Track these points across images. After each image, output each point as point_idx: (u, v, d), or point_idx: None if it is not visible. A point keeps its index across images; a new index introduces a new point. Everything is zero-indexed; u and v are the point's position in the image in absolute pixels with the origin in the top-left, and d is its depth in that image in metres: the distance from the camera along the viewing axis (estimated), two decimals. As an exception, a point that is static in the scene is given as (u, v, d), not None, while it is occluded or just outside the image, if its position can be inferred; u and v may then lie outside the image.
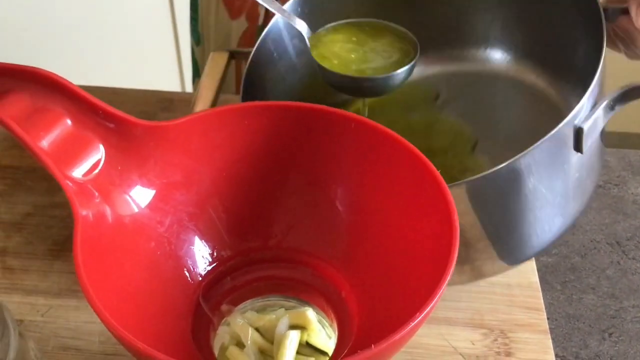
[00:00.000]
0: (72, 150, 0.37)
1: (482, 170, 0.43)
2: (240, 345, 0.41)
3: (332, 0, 0.58)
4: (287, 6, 0.56)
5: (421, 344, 0.51)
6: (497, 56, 0.62)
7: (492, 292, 0.55)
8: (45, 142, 0.36)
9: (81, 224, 0.36)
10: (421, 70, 0.63)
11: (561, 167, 0.46)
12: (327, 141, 0.41)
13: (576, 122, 0.44)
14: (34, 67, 0.36)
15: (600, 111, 0.45)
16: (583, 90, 0.44)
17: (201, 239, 0.42)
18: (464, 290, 0.54)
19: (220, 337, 0.41)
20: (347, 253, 0.42)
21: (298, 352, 0.40)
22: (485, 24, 0.61)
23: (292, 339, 0.39)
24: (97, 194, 0.38)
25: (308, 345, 0.40)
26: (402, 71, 0.52)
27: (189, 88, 1.64)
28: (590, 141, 0.45)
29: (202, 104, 0.59)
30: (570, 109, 0.44)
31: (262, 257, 0.44)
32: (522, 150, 0.43)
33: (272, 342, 0.40)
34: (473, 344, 0.51)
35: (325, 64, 0.53)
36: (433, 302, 0.32)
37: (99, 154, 0.38)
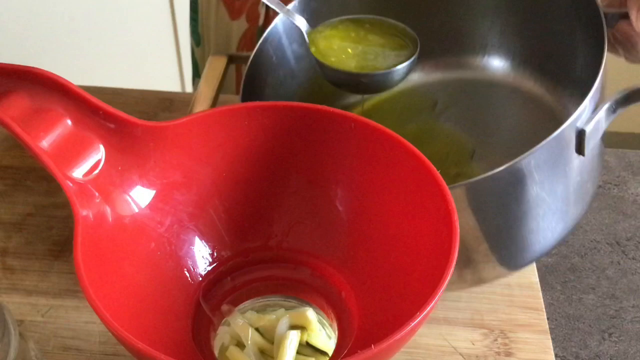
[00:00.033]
0: (73, 151, 0.37)
1: None
2: (241, 345, 0.41)
3: (333, 5, 0.58)
4: (291, 6, 0.56)
5: (421, 344, 0.51)
6: (495, 63, 0.62)
7: (492, 292, 0.55)
8: (46, 143, 0.36)
9: (81, 224, 0.36)
10: (419, 77, 0.63)
11: (563, 170, 0.46)
12: (327, 141, 0.41)
13: (578, 124, 0.44)
14: (34, 68, 0.36)
15: (602, 113, 0.45)
16: (581, 97, 0.44)
17: (201, 239, 0.42)
18: (464, 290, 0.54)
19: (221, 337, 0.41)
20: (348, 253, 0.42)
21: (298, 352, 0.40)
22: (483, 31, 0.61)
23: (292, 339, 0.39)
24: (97, 194, 0.38)
25: (308, 345, 0.40)
26: (402, 67, 0.52)
27: (189, 88, 1.64)
28: (592, 144, 0.45)
29: (200, 108, 0.59)
30: (569, 115, 0.44)
31: (262, 258, 0.44)
32: None
33: (272, 342, 0.40)
34: (473, 344, 0.51)
35: (324, 61, 0.52)
36: (433, 302, 0.32)
37: (99, 154, 0.38)
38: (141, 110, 0.70)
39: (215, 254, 0.43)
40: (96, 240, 0.37)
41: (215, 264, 0.43)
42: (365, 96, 0.62)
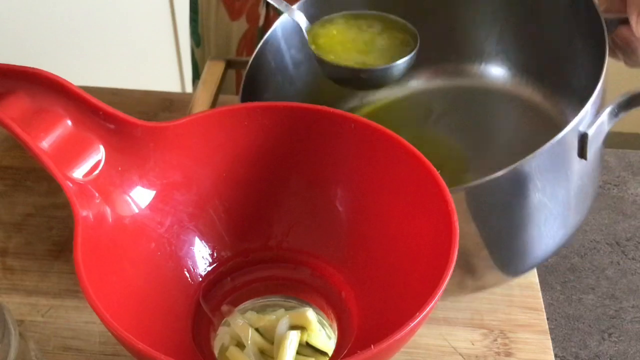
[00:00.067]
0: (73, 151, 0.37)
1: None
2: (241, 345, 0.41)
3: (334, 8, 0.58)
4: (295, 6, 0.55)
5: (421, 344, 0.51)
6: (493, 71, 0.61)
7: (492, 292, 0.55)
8: (46, 143, 0.36)
9: (81, 224, 0.36)
10: (416, 85, 0.63)
11: (564, 175, 0.46)
12: (327, 142, 0.41)
13: (580, 127, 0.44)
14: (35, 68, 0.36)
15: (605, 116, 0.44)
16: (580, 103, 0.44)
17: (201, 239, 0.42)
18: (464, 290, 0.55)
19: (221, 337, 0.41)
20: (347, 253, 0.42)
21: (298, 353, 0.40)
22: (481, 38, 0.61)
23: (292, 340, 0.39)
24: (97, 194, 0.38)
25: (308, 345, 0.40)
26: (401, 62, 0.51)
27: (189, 89, 1.64)
28: (594, 148, 0.45)
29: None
30: (567, 123, 0.43)
31: (262, 258, 0.44)
32: None
33: (272, 343, 0.40)
34: (473, 344, 0.51)
35: (324, 57, 0.52)
36: (433, 303, 0.33)
37: (99, 154, 0.38)
38: (141, 110, 0.71)
39: (215, 254, 0.43)
40: (96, 241, 0.37)
41: (215, 264, 0.43)
42: (364, 101, 0.62)
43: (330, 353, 0.40)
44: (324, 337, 0.41)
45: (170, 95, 0.73)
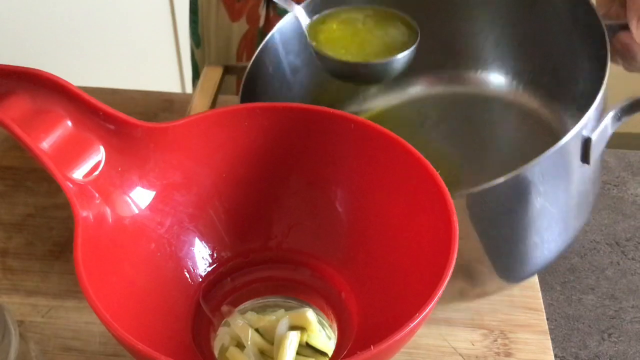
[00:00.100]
0: (73, 152, 0.37)
1: None
2: (241, 346, 0.41)
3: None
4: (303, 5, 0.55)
5: (421, 344, 0.51)
6: (490, 78, 0.61)
7: (492, 292, 0.55)
8: (46, 144, 0.36)
9: (81, 225, 0.36)
10: (413, 92, 0.62)
11: (567, 181, 0.46)
12: (327, 142, 0.41)
13: (584, 132, 0.43)
14: (35, 69, 0.37)
15: (608, 120, 0.44)
16: (578, 109, 0.44)
17: (201, 240, 0.43)
18: (464, 291, 0.55)
19: (221, 338, 0.41)
20: (347, 254, 0.42)
21: (298, 353, 0.40)
22: (478, 45, 0.60)
23: (292, 340, 0.39)
24: (97, 195, 0.38)
25: (308, 346, 0.41)
26: (401, 56, 0.51)
27: (189, 89, 1.64)
28: (597, 153, 0.45)
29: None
30: (566, 129, 0.43)
31: (262, 258, 0.44)
32: None
33: (272, 343, 0.40)
34: (473, 344, 0.51)
35: (325, 52, 0.52)
36: (433, 303, 0.33)
37: (99, 155, 0.38)
38: (141, 110, 0.71)
39: (215, 255, 0.43)
40: (96, 241, 0.37)
41: (215, 265, 0.43)
42: (361, 107, 0.62)
43: (330, 353, 0.40)
44: (324, 337, 0.41)
45: (171, 95, 0.73)
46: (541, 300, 0.55)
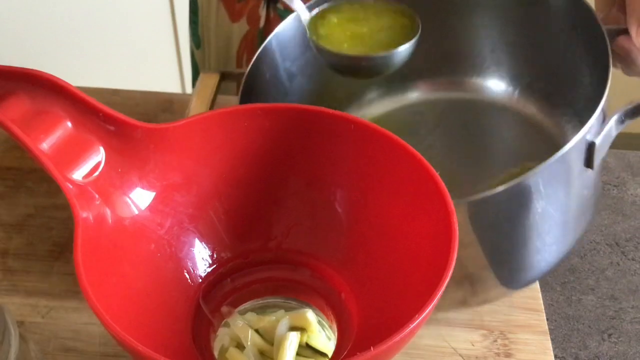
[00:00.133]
0: (73, 153, 0.37)
1: None
2: (240, 346, 0.41)
3: None
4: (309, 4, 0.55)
5: (421, 345, 0.51)
6: (489, 84, 0.61)
7: (492, 293, 0.55)
8: (46, 145, 0.37)
9: (81, 226, 0.36)
10: (411, 98, 0.62)
11: (569, 186, 0.45)
12: (327, 143, 0.41)
13: (588, 137, 0.43)
14: (34, 70, 0.37)
15: (612, 123, 0.44)
16: (576, 114, 0.44)
17: (201, 240, 0.43)
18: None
19: (220, 338, 0.41)
20: (347, 254, 0.42)
21: (298, 354, 0.40)
22: (477, 51, 0.60)
23: (292, 341, 0.39)
24: (97, 196, 0.38)
25: (308, 346, 0.41)
26: (402, 49, 0.51)
27: (189, 89, 1.64)
28: (600, 156, 0.45)
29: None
30: (565, 136, 0.43)
31: (262, 259, 0.44)
32: None
33: (272, 344, 0.40)
34: (473, 345, 0.51)
35: (325, 45, 0.52)
36: (432, 304, 0.33)
37: (99, 156, 0.38)
38: (141, 111, 0.71)
39: (215, 256, 0.43)
40: (96, 242, 0.37)
41: (215, 266, 0.43)
42: (359, 113, 0.62)
43: (330, 354, 0.40)
44: (324, 338, 0.41)
45: (171, 96, 0.73)
46: (541, 301, 0.55)
